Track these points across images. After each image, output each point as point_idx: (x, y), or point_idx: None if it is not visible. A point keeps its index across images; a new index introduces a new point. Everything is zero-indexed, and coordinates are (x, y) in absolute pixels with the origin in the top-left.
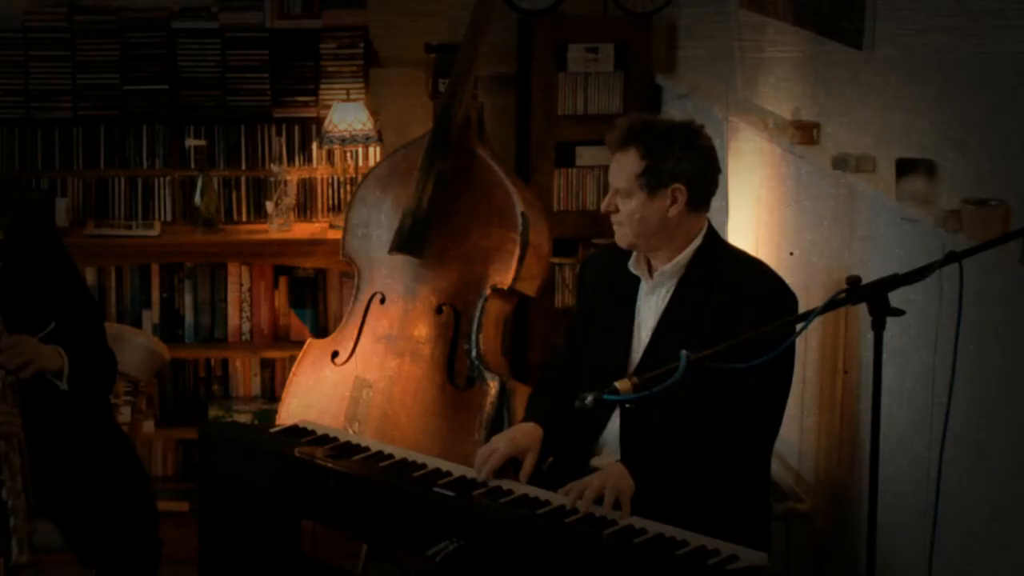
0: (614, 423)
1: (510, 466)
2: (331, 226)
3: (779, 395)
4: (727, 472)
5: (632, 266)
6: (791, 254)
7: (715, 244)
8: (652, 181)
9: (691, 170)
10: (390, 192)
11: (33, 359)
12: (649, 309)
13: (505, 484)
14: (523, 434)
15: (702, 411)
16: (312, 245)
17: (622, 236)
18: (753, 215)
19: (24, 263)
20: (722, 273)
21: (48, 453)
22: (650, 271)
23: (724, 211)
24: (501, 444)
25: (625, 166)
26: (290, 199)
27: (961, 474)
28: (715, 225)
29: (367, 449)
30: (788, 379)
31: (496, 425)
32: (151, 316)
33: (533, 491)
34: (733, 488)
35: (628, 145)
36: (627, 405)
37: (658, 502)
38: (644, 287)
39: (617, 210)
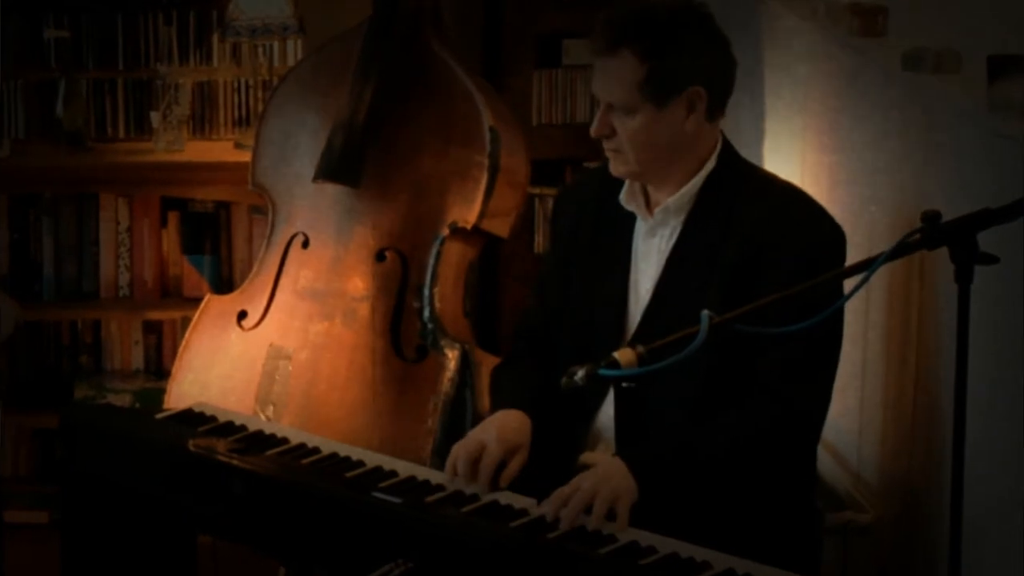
0: (608, 408)
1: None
2: (237, 145)
3: (826, 367)
4: (757, 470)
5: (625, 199)
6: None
7: (733, 165)
8: (661, 88)
9: (710, 64)
10: (316, 101)
11: None
12: (649, 256)
13: (468, 488)
14: (514, 428)
15: (722, 391)
16: (212, 171)
17: (620, 165)
18: (797, 130)
19: None
20: (744, 204)
21: None
22: (649, 206)
23: (759, 124)
24: (491, 442)
25: (618, 74)
26: (183, 109)
27: None
28: (748, 144)
29: (285, 441)
30: (837, 347)
31: (456, 409)
32: None
33: (505, 497)
34: (766, 491)
35: (619, 46)
36: (624, 384)
37: (668, 509)
38: (641, 227)
39: (613, 133)
